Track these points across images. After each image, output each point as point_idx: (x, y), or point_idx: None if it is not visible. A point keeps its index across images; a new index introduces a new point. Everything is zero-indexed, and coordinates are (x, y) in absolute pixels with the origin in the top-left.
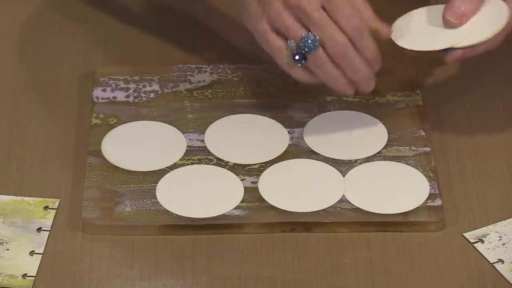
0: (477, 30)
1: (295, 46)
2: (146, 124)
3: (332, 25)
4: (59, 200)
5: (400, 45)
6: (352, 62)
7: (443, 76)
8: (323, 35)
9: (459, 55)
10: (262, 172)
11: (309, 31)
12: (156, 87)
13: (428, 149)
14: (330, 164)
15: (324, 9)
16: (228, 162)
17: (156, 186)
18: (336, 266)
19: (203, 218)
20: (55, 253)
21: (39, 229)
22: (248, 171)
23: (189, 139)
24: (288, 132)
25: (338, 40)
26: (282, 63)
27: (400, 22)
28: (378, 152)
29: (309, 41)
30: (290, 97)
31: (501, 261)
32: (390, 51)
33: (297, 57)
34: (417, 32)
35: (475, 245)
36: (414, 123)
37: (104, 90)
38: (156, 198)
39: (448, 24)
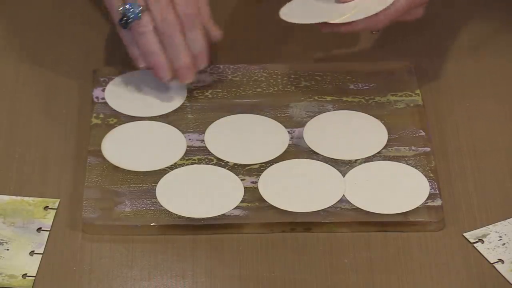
0: (360, 8)
1: (122, 10)
2: (146, 124)
3: (167, 2)
4: (59, 200)
5: (282, 18)
6: (177, 47)
7: (443, 76)
8: (155, 9)
9: (333, 27)
10: (262, 172)
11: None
12: None
13: (428, 149)
14: (330, 164)
15: None
16: (228, 162)
17: (156, 186)
18: (336, 266)
19: (203, 218)
20: (55, 253)
21: (39, 229)
22: (248, 171)
23: (189, 139)
24: (288, 132)
25: (169, 18)
26: (115, 23)
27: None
28: (378, 152)
29: (132, 10)
30: (290, 97)
31: (501, 261)
32: (390, 51)
33: (124, 19)
34: (306, 7)
35: (475, 245)
36: (414, 123)
37: (104, 90)
38: (156, 198)
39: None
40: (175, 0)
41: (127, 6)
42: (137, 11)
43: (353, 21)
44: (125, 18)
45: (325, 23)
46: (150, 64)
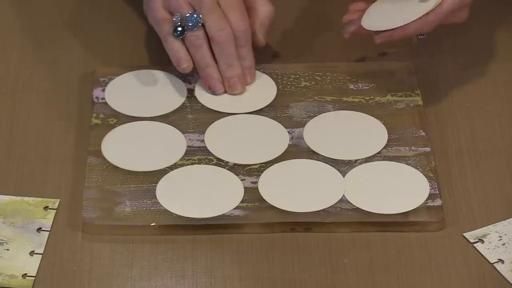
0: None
1: (179, 19)
2: (146, 124)
3: (221, 15)
4: (59, 200)
5: (365, 28)
6: (229, 56)
7: (443, 76)
8: (211, 20)
9: (387, 35)
10: (262, 172)
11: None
12: None
13: (428, 149)
14: (330, 164)
15: (218, 4)
16: (228, 162)
17: (156, 186)
18: (336, 266)
19: (203, 218)
20: (55, 253)
21: (39, 229)
22: (248, 171)
23: (189, 139)
24: (288, 132)
25: (225, 28)
26: (162, 31)
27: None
28: (378, 152)
29: (193, 18)
30: (290, 97)
31: (501, 261)
32: (390, 51)
33: (178, 29)
34: (379, 14)
35: (475, 245)
36: (414, 123)
37: (104, 90)
38: (156, 198)
39: None
40: (229, 14)
41: (187, 14)
42: (198, 19)
43: (405, 26)
44: (183, 26)
45: (379, 33)
46: (207, 77)
